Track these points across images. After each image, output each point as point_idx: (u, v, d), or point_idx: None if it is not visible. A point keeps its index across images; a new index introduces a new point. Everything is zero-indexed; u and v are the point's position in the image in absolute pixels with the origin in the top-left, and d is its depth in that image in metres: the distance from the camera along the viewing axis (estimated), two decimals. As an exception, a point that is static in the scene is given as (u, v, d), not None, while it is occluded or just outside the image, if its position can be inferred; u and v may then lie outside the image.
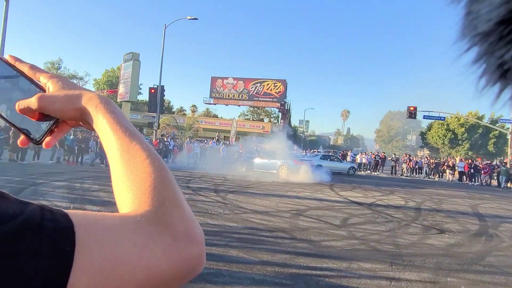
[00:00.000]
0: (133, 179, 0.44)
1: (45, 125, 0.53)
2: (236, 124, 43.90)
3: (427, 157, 37.01)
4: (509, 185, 23.94)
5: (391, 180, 21.91)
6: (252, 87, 50.98)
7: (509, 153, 33.09)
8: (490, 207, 12.56)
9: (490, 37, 0.30)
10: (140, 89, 49.66)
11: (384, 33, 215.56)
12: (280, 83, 50.40)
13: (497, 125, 37.51)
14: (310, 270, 4.70)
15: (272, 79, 51.19)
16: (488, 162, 29.64)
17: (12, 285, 0.30)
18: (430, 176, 28.78)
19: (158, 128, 28.38)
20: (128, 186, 0.44)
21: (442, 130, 44.54)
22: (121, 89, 33.10)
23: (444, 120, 40.67)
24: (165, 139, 28.24)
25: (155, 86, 25.75)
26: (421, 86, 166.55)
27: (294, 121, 74.67)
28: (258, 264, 4.71)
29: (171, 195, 0.44)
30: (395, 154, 37.12)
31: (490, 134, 41.88)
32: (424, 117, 35.62)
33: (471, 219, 9.48)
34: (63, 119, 0.53)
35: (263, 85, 50.86)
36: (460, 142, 43.54)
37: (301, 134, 70.13)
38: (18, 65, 0.54)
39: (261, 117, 60.49)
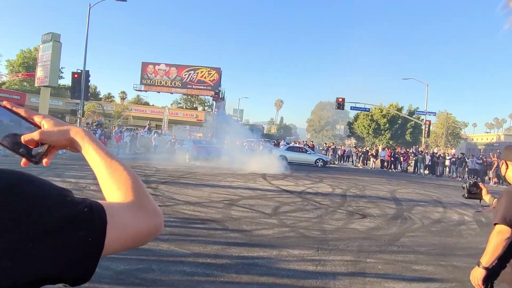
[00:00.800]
0: (118, 183, 0.72)
1: (40, 150, 0.74)
2: (168, 112, 42.67)
3: (355, 147, 39.49)
4: (426, 171, 26.55)
5: (320, 169, 22.96)
6: (186, 74, 49.80)
7: (423, 142, 36.58)
8: (406, 191, 13.81)
9: None
10: (62, 73, 45.89)
11: (317, 28, 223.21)
12: (215, 71, 49.86)
13: (414, 116, 41.12)
14: (241, 260, 4.77)
15: (206, 67, 50.39)
16: (406, 150, 32.45)
17: (77, 238, 0.58)
18: (356, 164, 30.76)
19: (83, 116, 26.55)
20: (116, 188, 0.72)
21: (367, 120, 47.74)
22: (39, 72, 30.18)
23: (369, 111, 43.62)
24: (91, 127, 26.56)
25: (79, 71, 23.96)
26: (349, 78, 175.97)
27: (229, 110, 74.65)
28: (189, 257, 4.67)
29: (141, 190, 0.74)
30: (326, 144, 39.01)
31: (408, 125, 45.79)
32: (351, 108, 37.86)
33: (389, 204, 10.34)
34: (54, 146, 0.75)
35: (197, 73, 49.92)
36: (382, 132, 47.06)
37: (235, 123, 70.46)
38: (15, 109, 0.73)
39: (194, 106, 59.40)
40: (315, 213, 8.18)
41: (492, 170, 23.08)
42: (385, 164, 28.76)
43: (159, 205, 0.70)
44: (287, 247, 5.40)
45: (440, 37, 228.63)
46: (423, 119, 35.63)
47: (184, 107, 57.00)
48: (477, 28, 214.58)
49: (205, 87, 50.11)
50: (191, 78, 49.87)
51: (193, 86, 50.03)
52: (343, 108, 36.49)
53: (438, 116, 44.30)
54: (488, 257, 2.20)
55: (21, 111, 0.73)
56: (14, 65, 50.91)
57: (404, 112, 44.89)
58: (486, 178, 23.97)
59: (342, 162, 32.92)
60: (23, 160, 0.73)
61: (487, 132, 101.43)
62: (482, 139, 70.81)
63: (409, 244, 6.21)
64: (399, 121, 46.17)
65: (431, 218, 8.72)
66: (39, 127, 0.73)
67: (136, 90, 52.30)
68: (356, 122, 50.98)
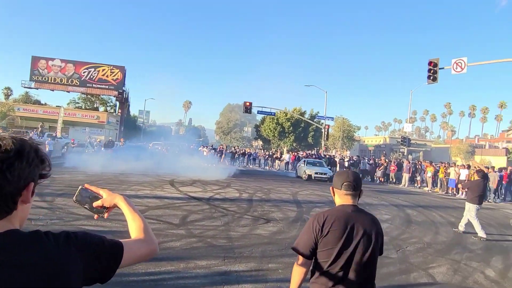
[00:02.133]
0: (136, 226, 1.33)
1: (103, 209, 1.41)
2: (63, 112, 39.05)
3: (261, 149, 41.08)
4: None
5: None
6: (85, 72, 46.30)
7: (323, 144, 39.71)
8: (306, 193, 14.95)
9: None
10: None
11: (229, 33, 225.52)
12: (118, 70, 47.25)
13: (315, 120, 44.41)
14: (148, 276, 4.78)
15: (108, 65, 47.43)
16: (308, 152, 34.92)
17: (106, 258, 1.12)
18: (264, 167, 32.09)
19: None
20: (135, 229, 1.33)
21: (272, 123, 50.03)
22: None
23: (274, 115, 45.78)
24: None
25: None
26: (257, 82, 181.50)
27: (134, 111, 71.30)
28: (92, 278, 4.51)
29: (146, 229, 1.33)
30: (234, 147, 39.79)
31: (310, 128, 49.26)
32: (258, 112, 39.27)
33: (291, 207, 11.13)
34: (109, 206, 1.40)
35: (98, 71, 46.73)
36: (287, 134, 49.79)
37: (141, 125, 67.55)
38: (90, 187, 1.41)
39: (95, 106, 55.36)
40: (222, 221, 8.44)
41: (380, 169, 26.16)
42: (289, 166, 30.60)
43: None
44: (195, 259, 5.54)
45: (339, 48, 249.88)
46: (323, 123, 38.69)
47: (84, 107, 52.73)
48: (366, 42, 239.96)
49: (107, 86, 47.17)
50: (91, 76, 46.51)
51: (94, 85, 46.70)
52: (250, 112, 37.66)
53: (335, 120, 48.56)
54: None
55: (93, 188, 1.40)
56: None
57: (307, 117, 48.15)
58: (375, 177, 27.03)
59: (249, 165, 34.02)
60: (95, 216, 1.42)
61: (376, 135, 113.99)
62: (372, 141, 79.43)
63: (306, 246, 6.82)
64: (302, 125, 49.39)
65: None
66: (102, 197, 1.39)
67: (25, 87, 46.91)
68: (262, 125, 53.06)
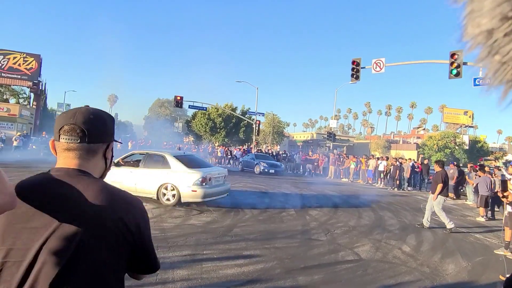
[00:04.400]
0: None
1: None
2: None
3: (192, 144, 40.48)
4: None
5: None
6: (-8, 59, 41.50)
7: (254, 139, 40.35)
8: (239, 185, 15.09)
9: (494, 34, 0.31)
10: None
11: (158, 26, 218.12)
12: (32, 58, 42.97)
13: (246, 116, 44.92)
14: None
15: (20, 52, 42.96)
16: (239, 147, 35.24)
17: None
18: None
19: None
20: None
21: (204, 119, 49.54)
22: None
23: (206, 110, 45.35)
24: None
25: None
26: (187, 76, 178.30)
27: (52, 104, 65.90)
28: None
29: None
30: (165, 143, 38.66)
31: (241, 124, 49.68)
32: (189, 106, 38.62)
33: (224, 198, 11.12)
34: None
35: (9, 58, 42.10)
36: (218, 130, 49.68)
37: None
38: None
39: (5, 97, 49.92)
40: (154, 213, 8.18)
41: (313, 164, 27.40)
42: (222, 160, 30.63)
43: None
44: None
45: (271, 45, 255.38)
46: (254, 119, 39.30)
47: (-9, 99, 47.22)
48: (290, 42, 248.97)
49: (19, 76, 42.72)
50: (1, 65, 41.80)
51: (3, 74, 42.01)
52: (181, 107, 36.90)
53: (266, 116, 49.61)
54: None
55: None
56: None
57: (238, 112, 48.50)
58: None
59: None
60: None
61: (304, 131, 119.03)
62: (300, 137, 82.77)
63: (241, 234, 6.91)
64: (234, 120, 49.63)
65: (259, 209, 9.86)
66: None
67: None
68: (194, 120, 52.29)
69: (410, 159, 22.30)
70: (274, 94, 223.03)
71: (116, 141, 1.37)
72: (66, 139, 1.17)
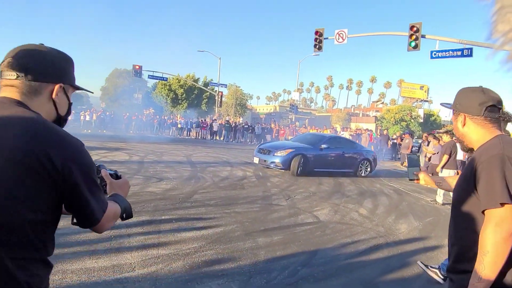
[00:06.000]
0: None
1: None
2: None
3: (157, 116, 39.26)
4: (221, 138, 29.14)
5: (118, 138, 21.88)
6: None
7: (216, 111, 39.86)
8: (201, 155, 14.89)
9: None
10: None
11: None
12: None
13: (208, 87, 44.07)
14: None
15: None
16: (203, 119, 34.69)
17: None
18: (157, 133, 30.86)
19: None
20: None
21: (165, 90, 48.06)
22: None
23: (166, 80, 43.92)
24: None
25: None
26: (147, 46, 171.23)
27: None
28: None
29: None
30: (127, 114, 37.23)
31: (204, 95, 48.73)
32: (149, 76, 37.19)
33: (185, 167, 10.94)
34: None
35: None
36: (180, 101, 48.49)
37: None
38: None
39: None
40: (110, 181, 7.85)
41: (273, 135, 27.55)
42: (184, 132, 30.09)
43: None
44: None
45: (233, 16, 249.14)
46: (216, 90, 38.63)
47: None
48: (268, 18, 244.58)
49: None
50: None
51: None
52: (140, 76, 35.57)
53: (228, 88, 48.87)
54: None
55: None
56: None
57: (200, 83, 47.41)
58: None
59: (141, 131, 32.34)
60: None
61: (267, 104, 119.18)
62: (263, 109, 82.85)
63: (201, 200, 6.81)
64: (196, 92, 48.54)
65: (220, 176, 9.78)
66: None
67: None
68: (154, 91, 50.65)
69: (367, 129, 23.03)
70: (237, 66, 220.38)
71: (79, 87, 1.29)
72: (4, 74, 1.10)
